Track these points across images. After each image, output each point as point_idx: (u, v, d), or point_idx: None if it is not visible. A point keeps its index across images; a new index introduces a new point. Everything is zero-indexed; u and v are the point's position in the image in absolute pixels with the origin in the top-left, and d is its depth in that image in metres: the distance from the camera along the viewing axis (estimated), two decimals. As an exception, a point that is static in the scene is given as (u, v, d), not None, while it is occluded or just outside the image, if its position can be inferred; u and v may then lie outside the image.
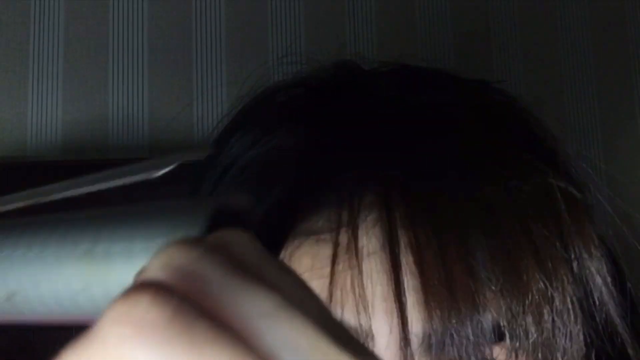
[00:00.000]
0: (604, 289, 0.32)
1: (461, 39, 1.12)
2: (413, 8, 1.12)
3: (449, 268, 0.29)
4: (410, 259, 0.29)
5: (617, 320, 0.32)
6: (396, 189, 0.30)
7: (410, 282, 0.29)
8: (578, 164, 0.35)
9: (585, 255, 0.32)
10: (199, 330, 0.16)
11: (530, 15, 1.16)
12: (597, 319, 0.32)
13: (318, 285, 0.29)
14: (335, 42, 1.09)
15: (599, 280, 0.32)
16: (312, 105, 0.36)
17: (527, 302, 0.29)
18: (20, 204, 0.24)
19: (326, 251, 0.30)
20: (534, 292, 0.29)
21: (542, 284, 0.29)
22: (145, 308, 0.16)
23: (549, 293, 0.29)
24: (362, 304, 0.29)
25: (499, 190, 0.30)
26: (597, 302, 0.32)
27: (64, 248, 0.22)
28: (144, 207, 0.21)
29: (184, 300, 0.16)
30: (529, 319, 0.29)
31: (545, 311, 0.29)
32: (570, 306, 0.30)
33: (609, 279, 0.33)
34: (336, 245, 0.30)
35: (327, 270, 0.30)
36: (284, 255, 0.31)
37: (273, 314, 0.16)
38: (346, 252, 0.29)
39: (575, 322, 0.30)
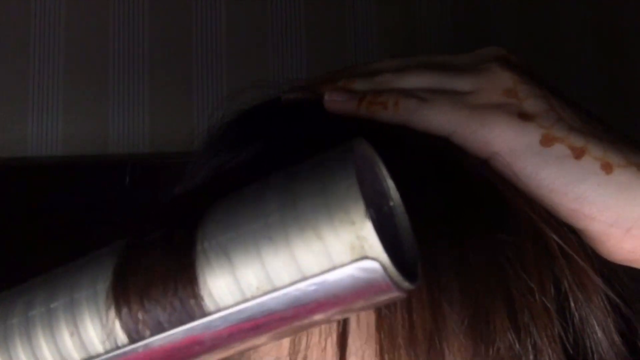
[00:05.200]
0: (604, 343, 0.30)
1: (461, 39, 1.12)
2: (413, 9, 1.12)
3: (413, 309, 0.27)
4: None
5: None
6: None
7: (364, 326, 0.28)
8: None
9: (585, 307, 0.30)
10: None
11: (530, 13, 1.16)
12: None
13: None
14: (336, 56, 1.09)
15: (600, 333, 0.30)
16: (272, 126, 0.35)
17: (491, 353, 0.27)
18: None
19: None
20: (500, 345, 0.27)
21: (510, 336, 0.27)
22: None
23: (516, 350, 0.27)
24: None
25: (476, 229, 0.29)
26: (594, 356, 0.30)
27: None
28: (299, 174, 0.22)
29: None
30: None
31: None
32: None
33: (612, 331, 0.31)
34: None
35: None
36: None
37: None
38: None
39: None
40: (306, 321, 0.22)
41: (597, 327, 0.30)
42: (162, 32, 1.08)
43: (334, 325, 0.27)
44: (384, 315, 0.27)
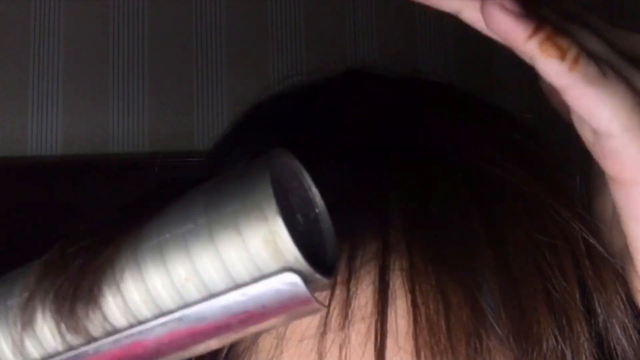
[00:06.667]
0: (624, 342, 0.30)
1: (461, 44, 1.12)
2: (413, 15, 1.12)
3: (451, 312, 0.27)
4: (405, 303, 0.27)
5: None
6: (397, 233, 0.28)
7: (402, 331, 0.27)
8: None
9: (607, 309, 0.30)
10: None
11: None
12: None
13: (307, 345, 0.28)
14: (336, 54, 1.09)
15: (620, 334, 0.30)
16: (304, 116, 0.34)
17: (534, 355, 0.27)
18: None
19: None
20: (544, 346, 0.27)
21: (553, 338, 0.27)
22: None
23: (560, 349, 0.27)
24: None
25: (515, 231, 0.28)
26: (618, 356, 0.30)
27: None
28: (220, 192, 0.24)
29: None
30: None
31: None
32: None
33: (633, 333, 0.30)
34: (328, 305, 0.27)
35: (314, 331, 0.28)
36: None
37: None
38: (338, 315, 0.27)
39: None
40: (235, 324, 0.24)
41: (617, 327, 0.30)
42: (162, 32, 1.09)
43: (372, 337, 0.27)
44: (420, 320, 0.27)
